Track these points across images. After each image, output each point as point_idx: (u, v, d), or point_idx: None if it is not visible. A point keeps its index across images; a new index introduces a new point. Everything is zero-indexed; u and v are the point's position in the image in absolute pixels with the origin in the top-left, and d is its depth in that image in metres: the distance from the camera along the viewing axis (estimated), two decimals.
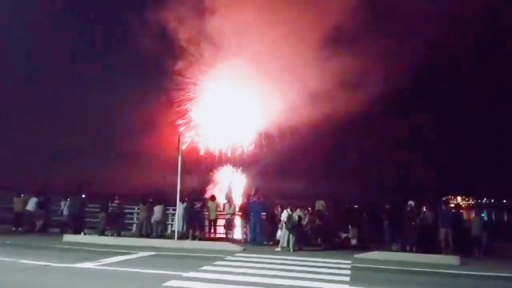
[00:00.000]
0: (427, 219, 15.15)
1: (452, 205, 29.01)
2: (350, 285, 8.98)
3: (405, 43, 28.77)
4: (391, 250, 14.41)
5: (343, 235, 16.20)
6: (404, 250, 14.44)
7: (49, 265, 10.45)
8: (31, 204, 18.31)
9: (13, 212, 18.85)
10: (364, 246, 14.79)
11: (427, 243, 14.56)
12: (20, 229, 18.25)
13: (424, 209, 15.67)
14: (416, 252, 14.20)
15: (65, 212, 18.00)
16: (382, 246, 14.78)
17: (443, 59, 31.95)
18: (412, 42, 28.40)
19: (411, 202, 15.18)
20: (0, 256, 11.19)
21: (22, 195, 18.81)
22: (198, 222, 16.97)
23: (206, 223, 17.49)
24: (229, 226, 17.51)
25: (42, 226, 18.38)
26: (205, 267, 10.62)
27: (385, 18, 30.76)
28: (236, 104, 30.67)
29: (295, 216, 14.82)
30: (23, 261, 10.73)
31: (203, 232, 17.28)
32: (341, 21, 28.69)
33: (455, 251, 13.99)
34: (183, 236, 16.17)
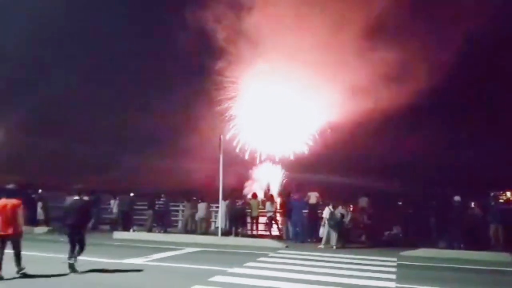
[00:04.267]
0: (475, 215, 14.70)
1: (502, 200, 27.86)
2: (397, 283, 8.86)
3: (453, 32, 27.64)
4: (438, 247, 14.08)
5: (388, 232, 15.95)
6: (452, 247, 14.06)
7: (101, 261, 10.94)
8: None
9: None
10: (410, 243, 14.50)
11: (475, 239, 14.14)
12: None
13: (472, 205, 15.20)
14: (464, 249, 13.80)
15: (115, 210, 18.67)
16: (429, 243, 14.40)
17: (493, 49, 30.47)
18: (461, 31, 27.18)
19: (457, 198, 14.75)
20: (55, 253, 11.73)
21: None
22: (240, 219, 17.23)
23: (248, 220, 17.72)
24: (271, 223, 17.70)
25: (93, 224, 19.17)
26: (249, 263, 10.80)
27: (430, 4, 29.75)
28: (276, 101, 30.73)
29: (337, 213, 14.75)
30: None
31: (245, 229, 17.52)
32: (383, 10, 27.97)
33: (506, 247, 13.51)
34: (226, 233, 16.48)
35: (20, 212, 9.07)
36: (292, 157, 32.02)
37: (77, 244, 9.63)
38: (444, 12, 28.49)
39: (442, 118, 32.58)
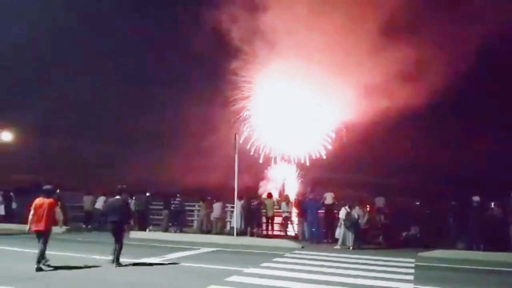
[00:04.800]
0: (495, 216, 14.40)
1: None
2: (414, 284, 8.74)
3: (471, 27, 27.12)
4: (456, 248, 13.85)
5: (406, 233, 15.74)
6: (471, 248, 13.82)
7: None
8: (100, 202, 19.38)
9: (83, 211, 20.09)
10: (428, 244, 14.27)
11: (495, 240, 13.85)
12: (89, 226, 19.40)
13: (492, 205, 14.90)
14: (484, 250, 13.54)
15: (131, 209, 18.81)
16: (447, 244, 14.18)
17: None
18: (480, 26, 26.64)
19: (477, 198, 14.47)
20: (72, 252, 11.99)
21: (91, 195, 19.94)
22: (256, 219, 17.21)
23: (263, 220, 17.68)
24: (286, 223, 17.65)
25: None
26: (265, 264, 10.77)
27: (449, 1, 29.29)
28: (291, 100, 30.59)
29: (354, 213, 14.61)
30: (93, 256, 11.39)
31: (260, 229, 17.50)
32: (399, 7, 27.59)
33: None
34: (241, 233, 16.47)
35: (57, 211, 9.92)
36: (307, 158, 31.76)
37: (116, 244, 10.20)
38: (461, 9, 28.02)
39: (460, 116, 32.10)
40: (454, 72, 27.09)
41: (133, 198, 18.90)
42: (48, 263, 9.54)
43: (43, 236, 9.57)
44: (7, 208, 20.12)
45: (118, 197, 10.69)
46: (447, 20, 28.35)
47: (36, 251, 9.38)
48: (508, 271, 10.90)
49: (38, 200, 9.78)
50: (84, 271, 9.68)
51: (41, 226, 9.56)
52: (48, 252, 9.73)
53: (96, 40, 37.72)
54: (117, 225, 10.35)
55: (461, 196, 15.79)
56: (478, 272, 10.75)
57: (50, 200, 9.85)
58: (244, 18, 29.61)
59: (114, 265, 10.03)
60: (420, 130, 31.82)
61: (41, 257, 9.43)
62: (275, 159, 32.22)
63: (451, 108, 31.76)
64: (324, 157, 30.93)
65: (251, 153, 31.08)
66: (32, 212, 9.70)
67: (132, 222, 10.40)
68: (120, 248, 10.22)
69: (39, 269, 9.26)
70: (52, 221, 9.80)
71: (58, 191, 19.48)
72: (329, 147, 30.97)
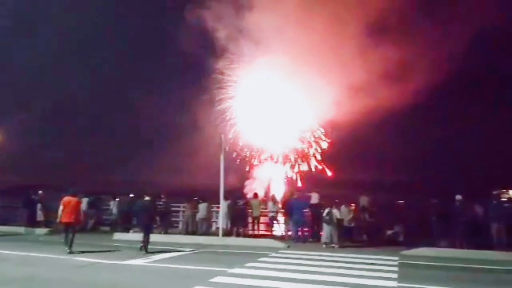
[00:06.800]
0: (478, 214, 14.59)
1: (504, 199, 27.71)
2: (398, 282, 8.81)
3: (455, 29, 27.47)
4: (439, 246, 14.00)
5: (389, 232, 15.87)
6: (454, 246, 13.99)
7: (101, 262, 10.91)
8: (83, 204, 19.07)
9: None
10: (411, 242, 14.41)
11: (477, 238, 14.04)
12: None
13: (474, 204, 15.09)
14: (466, 248, 13.71)
15: (114, 211, 18.61)
16: (430, 242, 14.28)
17: (497, 46, 30.33)
18: (463, 27, 27.01)
19: (459, 197, 14.66)
20: (55, 253, 11.80)
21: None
22: (241, 220, 17.16)
23: (249, 220, 17.63)
24: (272, 223, 17.65)
25: (93, 225, 19.12)
26: (250, 264, 10.75)
27: (433, 3, 29.67)
28: (277, 100, 30.58)
29: (336, 212, 14.63)
30: (77, 258, 11.26)
31: (246, 229, 17.46)
32: (386, 8, 27.77)
33: (508, 246, 13.41)
34: (227, 233, 16.42)
35: (80, 207, 12.95)
36: (298, 177, 31.72)
37: (146, 235, 12.57)
38: (448, 9, 28.42)
39: (445, 116, 32.56)
40: (440, 72, 27.45)
41: (116, 199, 18.72)
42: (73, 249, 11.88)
43: (72, 227, 12.16)
44: None
45: (147, 198, 13.26)
46: (433, 20, 28.71)
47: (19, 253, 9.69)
48: (491, 269, 11.02)
49: (66, 199, 12.31)
50: (68, 272, 9.55)
51: (70, 219, 12.10)
52: (31, 254, 9.80)
53: (80, 40, 37.43)
54: (147, 222, 12.88)
55: (444, 194, 15.97)
56: (461, 270, 10.89)
57: (76, 199, 12.64)
58: (230, 16, 29.54)
59: (143, 253, 12.15)
60: (403, 129, 32.19)
61: (71, 243, 11.91)
62: (260, 157, 32.18)
63: (436, 107, 32.21)
64: (314, 170, 30.97)
65: (237, 153, 31.01)
66: (61, 208, 12.15)
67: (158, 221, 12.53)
68: (148, 241, 12.46)
69: (71, 252, 11.68)
70: (78, 215, 12.52)
71: (40, 192, 19.24)
72: (319, 157, 31.00)
